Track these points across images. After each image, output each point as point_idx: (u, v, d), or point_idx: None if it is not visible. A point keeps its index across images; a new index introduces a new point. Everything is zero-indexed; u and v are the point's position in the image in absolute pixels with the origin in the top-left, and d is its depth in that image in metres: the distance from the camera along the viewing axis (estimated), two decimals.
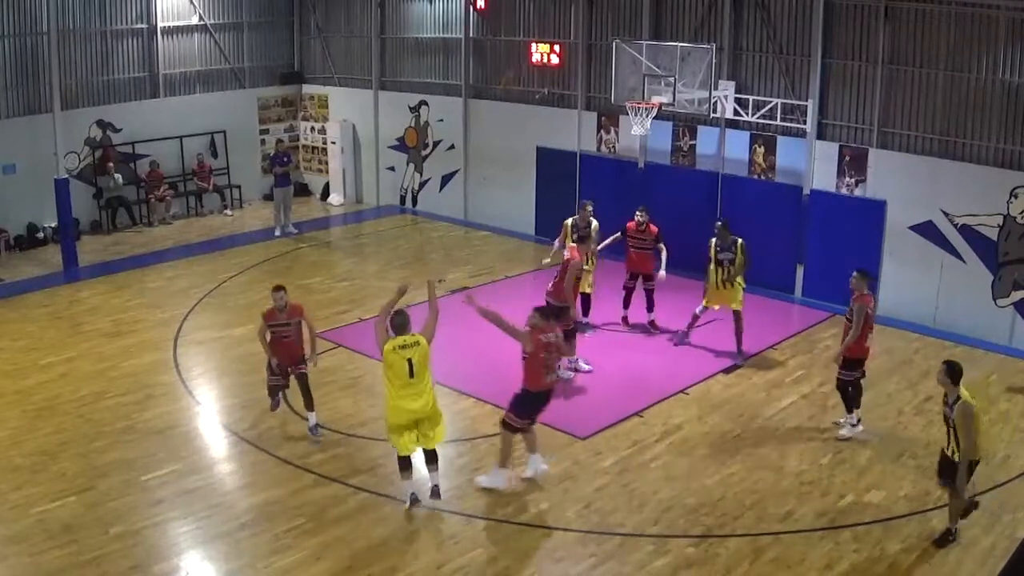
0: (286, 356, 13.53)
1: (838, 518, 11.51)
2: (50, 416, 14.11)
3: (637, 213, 17.29)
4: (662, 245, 17.14)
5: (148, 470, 12.55)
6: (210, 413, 14.60)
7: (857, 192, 18.74)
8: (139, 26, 25.55)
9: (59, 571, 10.34)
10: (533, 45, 23.51)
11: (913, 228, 18.10)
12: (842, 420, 13.76)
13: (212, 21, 27.05)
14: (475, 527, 11.34)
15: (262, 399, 14.58)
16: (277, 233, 24.58)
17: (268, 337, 13.52)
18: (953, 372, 10.56)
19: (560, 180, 23.31)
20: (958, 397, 10.45)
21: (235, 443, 13.50)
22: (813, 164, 19.22)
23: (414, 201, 27.38)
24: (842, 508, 11.74)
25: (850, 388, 13.57)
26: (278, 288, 13.41)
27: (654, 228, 17.21)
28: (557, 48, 23.09)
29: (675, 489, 12.14)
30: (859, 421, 13.65)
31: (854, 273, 13.38)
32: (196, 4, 26.60)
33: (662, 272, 17.06)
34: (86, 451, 13.08)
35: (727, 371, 15.92)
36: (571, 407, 14.59)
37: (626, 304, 17.87)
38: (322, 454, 13.02)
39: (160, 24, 25.87)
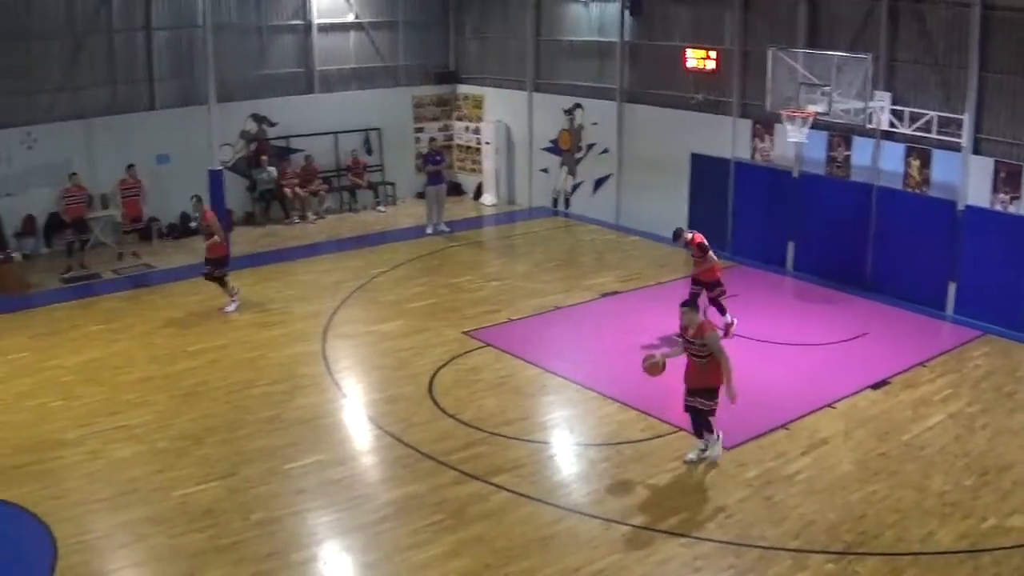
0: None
1: (979, 541, 10.83)
2: (197, 402, 14.20)
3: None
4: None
5: (292, 459, 12.51)
6: (356, 406, 14.52)
7: (1011, 209, 17.55)
8: (295, 22, 25.96)
9: (198, 554, 10.30)
10: (688, 51, 22.96)
11: None
12: None
13: (367, 19, 27.29)
14: (614, 532, 10.99)
15: (408, 394, 14.54)
16: (429, 231, 24.53)
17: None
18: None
19: (713, 187, 22.66)
20: None
21: (379, 436, 13.35)
22: (968, 179, 18.17)
23: (566, 203, 27.05)
24: (984, 531, 11.05)
25: None
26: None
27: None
28: (713, 54, 22.47)
29: (817, 504, 11.61)
30: None
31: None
32: (352, 2, 26.86)
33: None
34: (231, 437, 13.10)
35: (875, 387, 15.15)
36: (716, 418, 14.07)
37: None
38: (465, 452, 12.75)
39: (316, 21, 26.21)
